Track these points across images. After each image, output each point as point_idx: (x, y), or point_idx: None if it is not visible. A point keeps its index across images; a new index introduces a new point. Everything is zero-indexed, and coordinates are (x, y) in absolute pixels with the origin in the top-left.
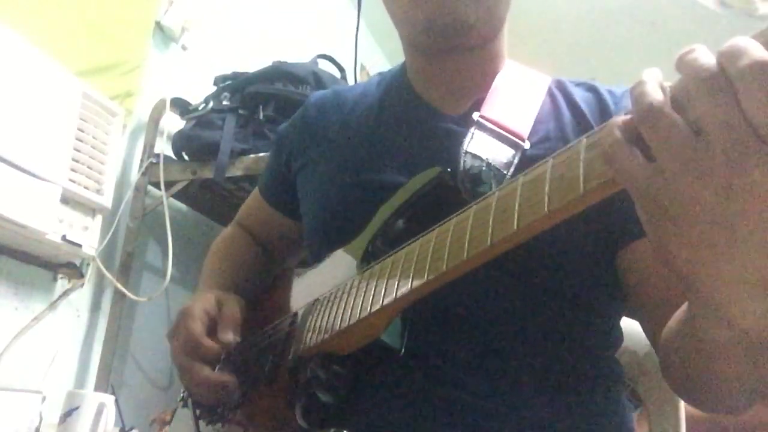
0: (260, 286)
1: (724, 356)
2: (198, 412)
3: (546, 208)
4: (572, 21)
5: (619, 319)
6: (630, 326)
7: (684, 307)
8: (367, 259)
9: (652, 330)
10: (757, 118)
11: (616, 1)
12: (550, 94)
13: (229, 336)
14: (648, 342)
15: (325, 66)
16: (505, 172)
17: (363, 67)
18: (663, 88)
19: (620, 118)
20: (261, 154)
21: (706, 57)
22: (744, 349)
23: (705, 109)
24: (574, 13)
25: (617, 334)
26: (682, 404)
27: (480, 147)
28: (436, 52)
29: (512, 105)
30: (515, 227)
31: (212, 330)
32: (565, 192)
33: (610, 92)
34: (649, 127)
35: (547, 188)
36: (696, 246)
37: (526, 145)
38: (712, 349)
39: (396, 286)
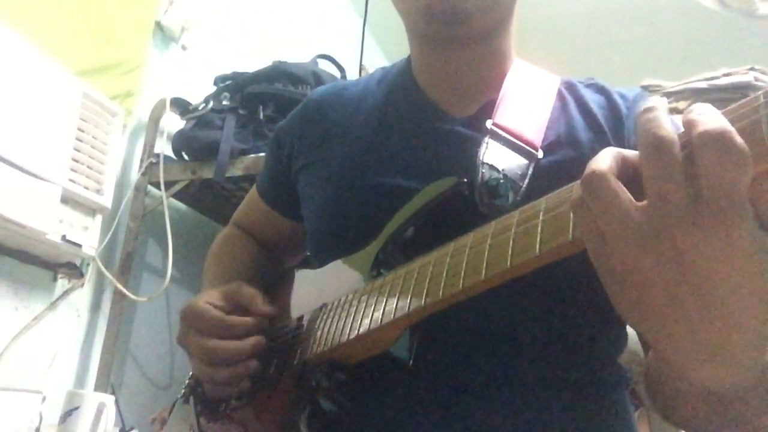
0: (263, 287)
1: (690, 403)
2: (199, 408)
3: (570, 235)
4: (572, 21)
5: (626, 325)
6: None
7: None
8: (377, 266)
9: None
10: (707, 187)
11: (616, 1)
12: (560, 95)
13: (267, 307)
14: None
15: (325, 66)
16: (521, 183)
17: (363, 67)
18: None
19: (616, 150)
20: (261, 154)
21: (660, 120)
22: (708, 400)
23: (647, 175)
24: (573, 13)
25: (623, 339)
26: None
27: (496, 157)
28: (438, 42)
29: (524, 110)
30: (537, 252)
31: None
32: None
33: (622, 96)
34: (590, 195)
35: (573, 214)
36: (644, 310)
37: (540, 154)
38: (678, 395)
39: (409, 301)
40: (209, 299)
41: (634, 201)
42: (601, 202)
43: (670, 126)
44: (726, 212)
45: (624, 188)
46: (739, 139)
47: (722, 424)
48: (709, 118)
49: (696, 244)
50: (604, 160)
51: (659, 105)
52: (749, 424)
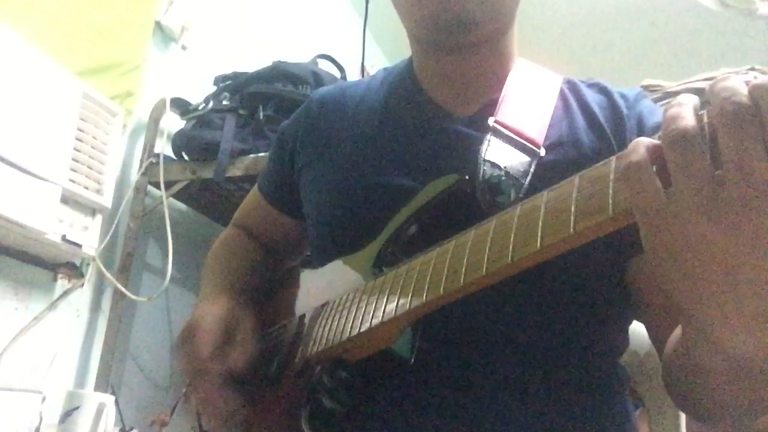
0: (265, 287)
1: (719, 381)
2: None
3: (571, 229)
4: (572, 21)
5: (629, 326)
6: (631, 326)
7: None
8: (379, 264)
9: (657, 338)
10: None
11: (617, 1)
12: (562, 95)
13: (238, 362)
14: (649, 342)
15: (325, 66)
16: (522, 181)
17: (363, 67)
18: (698, 116)
19: (648, 140)
20: (261, 154)
21: (737, 88)
22: (738, 375)
23: (726, 149)
24: (574, 13)
25: (624, 340)
26: None
27: (497, 155)
28: (443, 49)
29: (526, 109)
30: (538, 246)
31: (218, 348)
32: (593, 214)
33: (623, 96)
34: (677, 154)
35: (573, 208)
36: (696, 280)
37: (542, 152)
38: (707, 373)
39: (410, 297)
40: (216, 322)
41: (713, 169)
42: (686, 164)
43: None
44: None
45: (709, 156)
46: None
47: (750, 408)
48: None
49: (761, 223)
50: (690, 119)
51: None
52: None
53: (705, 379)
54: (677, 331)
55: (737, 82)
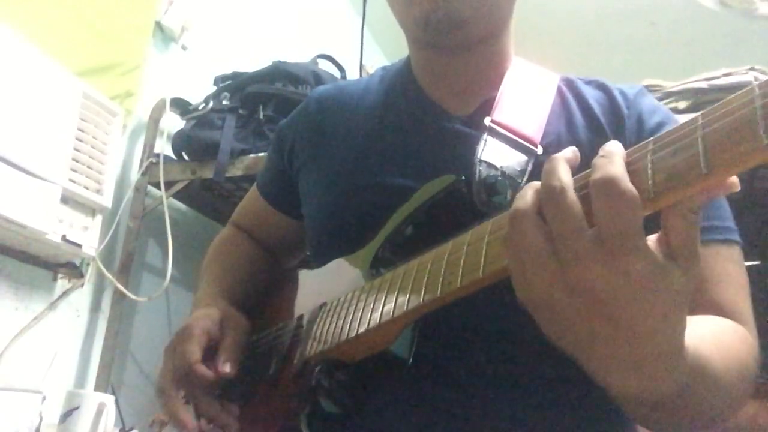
0: (263, 288)
1: (636, 408)
2: None
3: None
4: (572, 20)
5: None
6: None
7: None
8: (376, 265)
9: None
10: (603, 227)
11: (617, 1)
12: (560, 93)
13: (227, 368)
14: None
15: (325, 66)
16: (519, 180)
17: (363, 67)
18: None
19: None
20: (261, 154)
21: (559, 172)
22: (645, 405)
23: (549, 217)
24: (573, 13)
25: None
26: None
27: (494, 155)
28: (438, 48)
29: (523, 108)
30: None
31: (210, 351)
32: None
33: (622, 93)
34: (511, 231)
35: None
36: (563, 335)
37: (539, 150)
38: (622, 402)
39: (407, 299)
40: (207, 326)
41: (545, 239)
42: (516, 238)
43: (565, 176)
44: (621, 250)
45: (540, 225)
46: (627, 186)
47: (676, 422)
48: (604, 163)
49: (599, 278)
50: (528, 196)
51: (559, 157)
52: (699, 414)
53: (626, 408)
54: None
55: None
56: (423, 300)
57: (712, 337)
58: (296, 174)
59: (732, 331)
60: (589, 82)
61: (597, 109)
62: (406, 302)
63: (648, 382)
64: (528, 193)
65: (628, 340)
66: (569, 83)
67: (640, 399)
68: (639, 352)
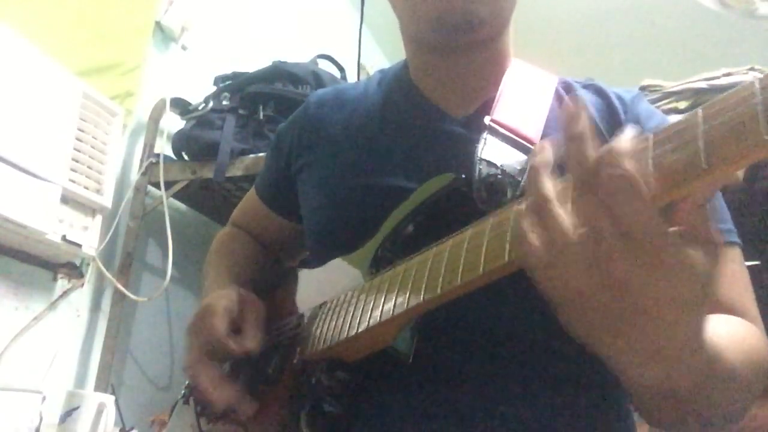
0: (265, 285)
1: (651, 400)
2: (200, 408)
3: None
4: (572, 20)
5: None
6: None
7: None
8: (376, 264)
9: None
10: (625, 224)
11: (616, 1)
12: (558, 96)
13: (254, 343)
14: None
15: (325, 66)
16: (519, 179)
17: (363, 67)
18: (556, 182)
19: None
20: (261, 154)
21: (586, 152)
22: (664, 397)
23: (579, 205)
24: (573, 13)
25: None
26: None
27: (494, 153)
28: (443, 50)
29: (522, 108)
30: None
31: (233, 329)
32: None
33: (619, 98)
34: (537, 221)
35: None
36: (587, 327)
37: None
38: (638, 394)
39: (407, 297)
40: (228, 304)
41: (575, 230)
42: (546, 228)
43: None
44: (648, 244)
45: (567, 216)
46: (641, 187)
47: (690, 418)
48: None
49: (627, 272)
50: (543, 185)
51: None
52: (715, 409)
53: (641, 400)
54: None
55: (587, 148)
56: (423, 299)
57: (727, 333)
58: (295, 176)
59: (744, 328)
60: (586, 86)
61: (595, 114)
62: (406, 301)
63: (668, 370)
64: (548, 182)
65: (652, 328)
66: (567, 87)
67: (658, 389)
68: (661, 340)
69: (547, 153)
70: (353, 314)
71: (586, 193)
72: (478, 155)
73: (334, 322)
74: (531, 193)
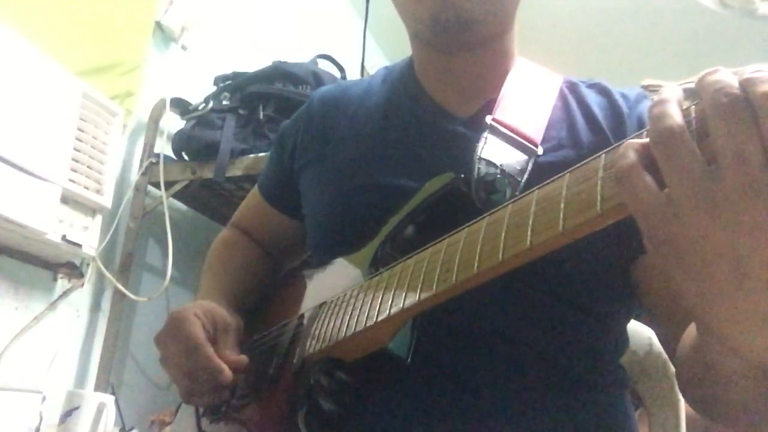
0: (263, 289)
1: (735, 383)
2: (201, 410)
3: (561, 227)
4: (572, 20)
5: (626, 324)
6: (630, 326)
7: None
8: (376, 264)
9: (667, 340)
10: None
11: (616, 1)
12: (562, 95)
13: (243, 358)
14: (648, 342)
15: (325, 66)
16: (519, 179)
17: (363, 67)
18: (683, 110)
19: (637, 140)
20: (261, 154)
21: (727, 80)
22: (755, 378)
23: (720, 138)
24: (574, 13)
25: (625, 340)
26: (682, 404)
27: (493, 153)
28: (444, 49)
29: (525, 108)
30: (528, 244)
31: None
32: (581, 211)
33: (624, 96)
34: (664, 154)
35: (562, 205)
36: (703, 280)
37: (540, 150)
38: (722, 376)
39: (404, 297)
40: (198, 312)
41: (708, 167)
42: (676, 162)
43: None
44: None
45: (699, 151)
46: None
47: (766, 409)
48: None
49: (763, 213)
50: (675, 116)
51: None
52: None
53: (720, 382)
54: (690, 330)
55: (727, 74)
56: (419, 298)
57: None
58: (298, 174)
59: None
60: (591, 86)
61: (598, 113)
62: (402, 300)
63: None
64: (676, 111)
65: (762, 290)
66: (571, 86)
67: (763, 365)
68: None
69: (674, 88)
70: (351, 314)
71: (729, 121)
72: (478, 154)
73: (332, 322)
74: (655, 127)
